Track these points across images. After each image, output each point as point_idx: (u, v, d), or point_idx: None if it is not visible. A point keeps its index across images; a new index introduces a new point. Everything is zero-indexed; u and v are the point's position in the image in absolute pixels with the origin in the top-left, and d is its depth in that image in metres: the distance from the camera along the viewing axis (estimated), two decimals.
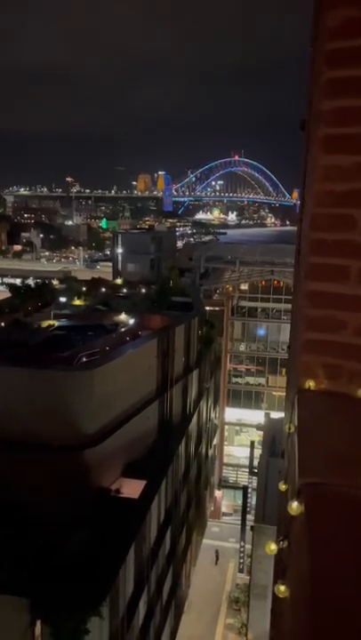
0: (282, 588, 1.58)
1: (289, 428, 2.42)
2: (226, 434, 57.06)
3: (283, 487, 2.25)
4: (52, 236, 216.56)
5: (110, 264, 78.88)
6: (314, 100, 2.83)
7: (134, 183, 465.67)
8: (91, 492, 21.71)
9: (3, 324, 32.93)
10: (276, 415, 40.10)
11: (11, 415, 22.37)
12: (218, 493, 53.35)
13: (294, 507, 1.51)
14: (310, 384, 2.47)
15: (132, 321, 33.56)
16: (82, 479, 21.71)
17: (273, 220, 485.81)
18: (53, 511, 19.53)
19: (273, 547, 1.82)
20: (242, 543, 42.15)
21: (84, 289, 44.32)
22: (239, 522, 43.87)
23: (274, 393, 54.24)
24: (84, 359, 25.27)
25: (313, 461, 1.69)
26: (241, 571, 42.23)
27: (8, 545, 18.28)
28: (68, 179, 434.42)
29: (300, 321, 2.63)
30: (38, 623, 16.89)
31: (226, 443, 56.98)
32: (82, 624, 16.73)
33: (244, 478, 52.53)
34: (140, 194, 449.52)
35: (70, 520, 19.29)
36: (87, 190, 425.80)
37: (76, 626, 16.65)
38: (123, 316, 34.13)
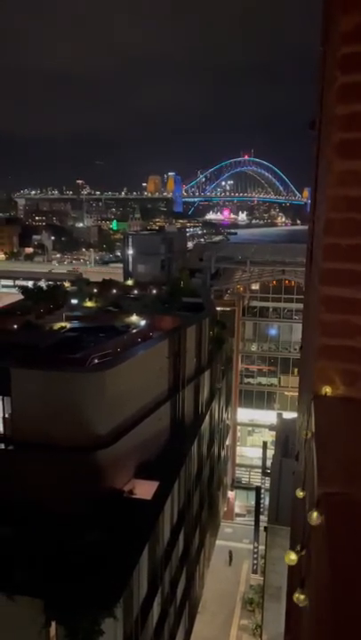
0: (301, 597, 1.57)
1: (306, 435, 2.41)
2: (238, 434, 56.93)
3: (300, 494, 2.24)
4: (63, 238, 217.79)
5: (121, 265, 79.14)
6: (327, 103, 2.82)
7: (144, 184, 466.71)
8: (104, 493, 21.78)
9: (15, 326, 33.15)
10: (289, 415, 39.92)
11: (24, 416, 22.53)
12: (231, 494, 53.25)
13: (314, 517, 1.50)
14: (327, 390, 2.46)
15: (143, 322, 33.60)
16: (95, 480, 21.78)
17: (283, 219, 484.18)
18: (67, 512, 19.59)
19: (293, 556, 1.81)
20: (255, 544, 42.03)
21: (95, 290, 44.51)
22: (252, 523, 43.76)
23: (286, 393, 54.00)
24: (96, 361, 25.34)
25: (332, 470, 1.68)
26: (255, 572, 42.10)
27: (22, 545, 18.40)
28: (79, 181, 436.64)
29: (315, 326, 2.62)
30: (53, 624, 16.97)
31: (238, 443, 56.84)
32: (96, 625, 16.78)
33: (256, 479, 52.36)
34: (150, 195, 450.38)
35: (84, 521, 19.36)
36: (97, 192, 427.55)
37: (91, 627, 16.71)
38: (134, 318, 34.19)
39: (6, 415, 23.16)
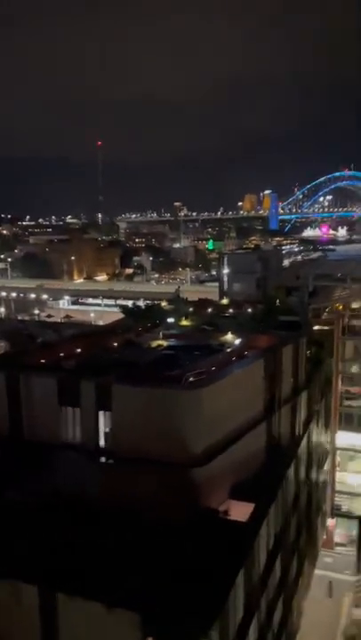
0: None
1: None
2: (338, 459, 54.35)
3: None
4: (160, 259, 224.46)
5: (217, 284, 79.86)
6: None
7: (240, 204, 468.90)
8: (199, 511, 21.81)
9: (116, 344, 34.61)
10: None
11: (124, 431, 23.35)
12: (331, 522, 50.75)
13: None
14: None
15: (237, 341, 33.54)
16: (190, 498, 21.90)
17: None
18: (163, 528, 19.86)
19: None
20: (359, 576, 39.67)
21: (190, 309, 45.29)
22: (355, 553, 41.41)
23: None
24: (192, 379, 25.70)
25: None
26: (358, 606, 39.65)
27: (118, 560, 18.89)
28: (177, 203, 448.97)
29: None
30: None
31: (338, 469, 54.22)
32: None
33: (359, 507, 49.59)
34: (245, 214, 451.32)
35: (180, 538, 19.50)
36: (194, 213, 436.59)
37: None
38: (229, 336, 34.25)
39: (107, 429, 24.15)
